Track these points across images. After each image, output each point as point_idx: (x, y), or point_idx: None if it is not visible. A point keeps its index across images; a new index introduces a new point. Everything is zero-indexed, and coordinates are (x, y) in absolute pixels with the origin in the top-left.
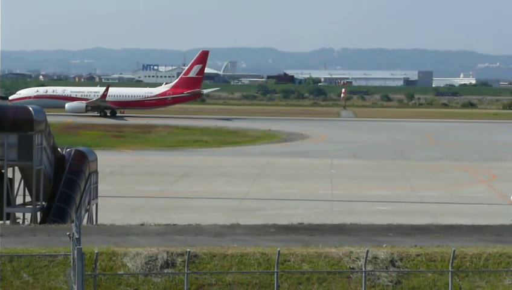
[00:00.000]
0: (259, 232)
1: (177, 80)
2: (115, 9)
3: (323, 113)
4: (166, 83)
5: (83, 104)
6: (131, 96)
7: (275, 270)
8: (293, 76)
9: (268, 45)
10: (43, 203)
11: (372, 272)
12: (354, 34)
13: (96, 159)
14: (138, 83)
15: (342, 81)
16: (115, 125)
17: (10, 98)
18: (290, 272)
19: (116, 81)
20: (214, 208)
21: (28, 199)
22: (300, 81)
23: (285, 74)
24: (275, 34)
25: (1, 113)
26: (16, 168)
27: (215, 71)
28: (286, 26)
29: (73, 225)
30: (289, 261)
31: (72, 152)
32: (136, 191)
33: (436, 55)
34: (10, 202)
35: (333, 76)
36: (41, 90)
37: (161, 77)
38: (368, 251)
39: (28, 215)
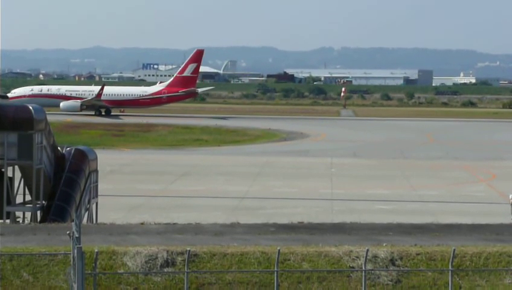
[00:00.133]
0: (259, 231)
1: (172, 78)
2: (115, 9)
3: (323, 112)
4: (160, 82)
5: (77, 103)
6: (126, 95)
7: (275, 269)
8: (293, 75)
9: (268, 44)
10: (43, 202)
11: (372, 271)
12: (354, 33)
13: (96, 158)
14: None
15: (342, 80)
16: (115, 124)
17: None
18: (290, 271)
19: (116, 80)
20: (214, 207)
21: (28, 198)
22: (300, 80)
23: (285, 72)
24: (275, 33)
25: (1, 112)
26: (16, 167)
27: (215, 70)
28: (286, 26)
29: (73, 223)
30: (289, 260)
31: (72, 151)
32: (136, 190)
33: (436, 54)
34: (10, 201)
35: (333, 75)
36: (36, 89)
37: (161, 76)
38: (367, 250)
39: (28, 214)
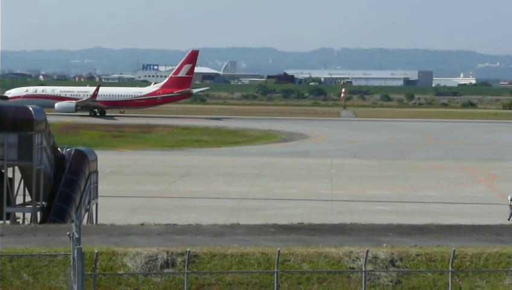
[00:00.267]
0: (259, 232)
1: (167, 79)
2: (115, 9)
3: (323, 113)
4: (155, 83)
5: (72, 103)
6: (121, 96)
7: (275, 270)
8: (293, 76)
9: (268, 44)
10: (43, 203)
11: (372, 272)
12: (354, 34)
13: (96, 159)
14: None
15: (342, 81)
16: (115, 125)
17: None
18: (290, 272)
19: (116, 81)
20: (214, 207)
21: (28, 198)
22: (300, 81)
23: (285, 73)
24: (275, 34)
25: (1, 113)
26: (16, 168)
27: (215, 71)
28: (286, 26)
29: (73, 224)
30: (289, 261)
31: (72, 152)
32: (136, 191)
33: (436, 55)
34: (10, 201)
35: (333, 76)
36: (31, 89)
37: (161, 76)
38: (367, 251)
39: (28, 215)
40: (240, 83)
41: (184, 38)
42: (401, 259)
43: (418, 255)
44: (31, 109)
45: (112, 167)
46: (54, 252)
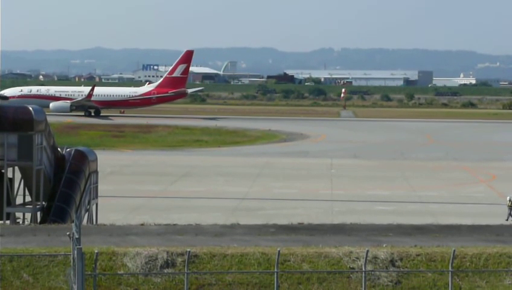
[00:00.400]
0: (259, 232)
1: (162, 79)
2: (115, 10)
3: (323, 113)
4: (149, 83)
5: (67, 103)
6: (116, 96)
7: (275, 270)
8: (293, 76)
9: (268, 45)
10: (43, 203)
11: (372, 272)
12: (354, 34)
13: (96, 159)
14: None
15: (342, 81)
16: (115, 125)
17: None
18: (290, 272)
19: (117, 81)
20: (214, 207)
21: (28, 198)
22: (300, 81)
23: (285, 73)
24: (275, 34)
25: (1, 113)
26: (16, 168)
27: (215, 71)
28: (286, 26)
29: (73, 224)
30: (289, 261)
31: (72, 152)
32: (136, 191)
33: (436, 55)
34: (10, 201)
35: (333, 76)
36: (25, 89)
37: (161, 76)
38: (368, 251)
39: (28, 215)
40: (240, 83)
41: (184, 38)
42: (401, 259)
43: (418, 255)
44: (31, 109)
45: (112, 167)
46: (54, 252)
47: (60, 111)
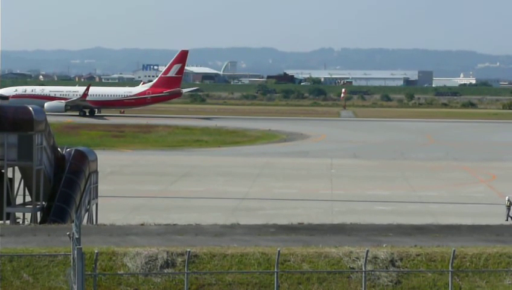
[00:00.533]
0: (259, 232)
1: (157, 79)
2: (115, 9)
3: (323, 113)
4: (143, 83)
5: (62, 103)
6: (111, 95)
7: (275, 270)
8: (293, 76)
9: (268, 44)
10: (43, 203)
11: (372, 272)
12: (354, 34)
13: (96, 159)
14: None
15: (342, 81)
16: (115, 125)
17: None
18: (290, 272)
19: (117, 81)
20: (214, 207)
21: (28, 198)
22: (300, 81)
23: (285, 73)
24: (275, 34)
25: (1, 113)
26: (16, 168)
27: (215, 71)
28: (286, 26)
29: (73, 224)
30: (289, 261)
31: (72, 152)
32: (136, 191)
33: (436, 55)
34: (10, 201)
35: (333, 76)
36: (20, 89)
37: None
38: (367, 251)
39: (28, 215)
40: (240, 83)
41: (184, 38)
42: (401, 259)
43: (418, 255)
44: (31, 109)
45: (112, 167)
46: (54, 252)
47: (54, 111)
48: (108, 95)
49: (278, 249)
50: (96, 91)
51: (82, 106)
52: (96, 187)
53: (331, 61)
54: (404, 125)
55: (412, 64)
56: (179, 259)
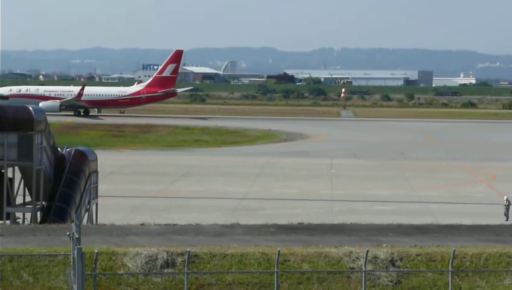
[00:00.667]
0: (259, 232)
1: (151, 79)
2: (115, 9)
3: (323, 113)
4: (137, 83)
5: (57, 103)
6: (105, 95)
7: (275, 270)
8: (293, 76)
9: (268, 44)
10: (43, 203)
11: (372, 272)
12: (354, 34)
13: (96, 158)
14: None
15: (342, 81)
16: (115, 125)
17: None
18: (290, 272)
19: (117, 80)
20: (214, 207)
21: (28, 198)
22: (300, 81)
23: (285, 73)
24: (275, 34)
25: (1, 113)
26: (16, 168)
27: (215, 71)
28: (286, 26)
29: (73, 224)
30: (289, 261)
31: (72, 152)
32: (136, 191)
33: (436, 55)
34: (10, 201)
35: (333, 76)
36: (15, 89)
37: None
38: (368, 251)
39: (28, 215)
40: (240, 83)
41: (184, 38)
42: (401, 259)
43: (418, 255)
44: (31, 109)
45: (112, 166)
46: (54, 252)
47: (49, 111)
48: (102, 95)
49: (278, 249)
50: (91, 91)
51: (77, 106)
52: (96, 187)
53: (331, 61)
54: (404, 125)
55: (412, 64)
56: (179, 259)
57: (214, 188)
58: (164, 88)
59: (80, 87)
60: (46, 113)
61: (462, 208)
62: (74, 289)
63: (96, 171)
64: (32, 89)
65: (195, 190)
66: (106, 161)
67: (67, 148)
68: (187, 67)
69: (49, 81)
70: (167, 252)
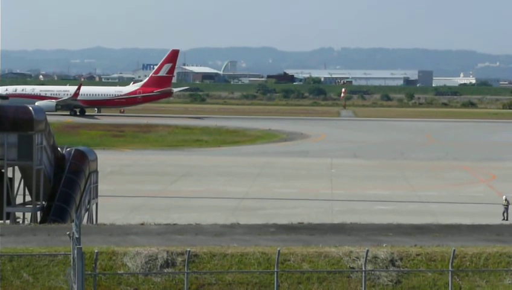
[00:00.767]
0: (259, 231)
1: (147, 78)
2: (115, 9)
3: (323, 113)
4: (133, 82)
5: (53, 102)
6: (101, 95)
7: (275, 269)
8: (293, 76)
9: (268, 44)
10: (43, 202)
11: (372, 272)
12: (354, 34)
13: (96, 158)
14: None
15: (342, 81)
16: (115, 124)
17: None
18: (290, 272)
19: (117, 80)
20: (214, 207)
21: (28, 198)
22: (300, 80)
23: (285, 73)
24: (275, 33)
25: (1, 113)
26: (16, 167)
27: (215, 71)
28: (286, 26)
29: (73, 224)
30: (289, 260)
31: (72, 152)
32: (136, 191)
33: (436, 54)
34: (10, 201)
35: (333, 76)
36: (11, 89)
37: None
38: (368, 251)
39: (28, 215)
40: (239, 82)
41: (184, 38)
42: (401, 259)
43: (418, 255)
44: (31, 108)
45: (112, 166)
46: (54, 252)
47: (45, 110)
48: (99, 95)
49: (278, 248)
50: (87, 91)
51: (73, 106)
52: (96, 187)
53: (331, 61)
54: (404, 125)
55: (412, 64)
56: (179, 259)
57: (214, 188)
58: (160, 88)
59: (76, 87)
60: None
61: (462, 208)
62: (74, 288)
63: (96, 171)
64: (28, 89)
65: (195, 190)
66: (106, 160)
67: (67, 148)
68: (187, 67)
69: (49, 81)
70: (167, 251)
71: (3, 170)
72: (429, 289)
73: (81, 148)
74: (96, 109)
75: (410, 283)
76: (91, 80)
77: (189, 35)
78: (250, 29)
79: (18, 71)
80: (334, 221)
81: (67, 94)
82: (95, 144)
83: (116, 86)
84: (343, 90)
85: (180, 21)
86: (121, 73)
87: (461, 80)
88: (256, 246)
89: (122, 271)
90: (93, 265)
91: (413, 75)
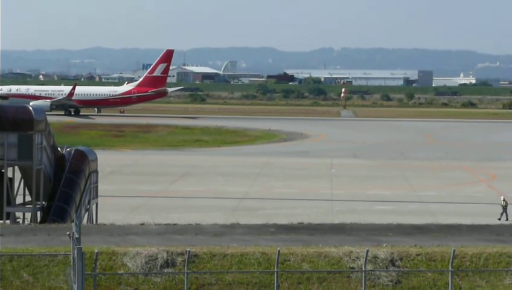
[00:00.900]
0: (259, 231)
1: (142, 78)
2: (115, 9)
3: (323, 113)
4: (127, 83)
5: (47, 102)
6: (96, 95)
7: (275, 269)
8: (293, 76)
9: (268, 44)
10: (43, 202)
11: (372, 272)
12: (354, 34)
13: (96, 158)
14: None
15: (342, 81)
16: (115, 124)
17: None
18: (290, 272)
19: (117, 80)
20: (214, 207)
21: (28, 198)
22: (300, 81)
23: (285, 73)
24: (275, 33)
25: (1, 113)
26: (16, 167)
27: (215, 71)
28: (286, 26)
29: (73, 224)
30: (289, 260)
31: (72, 152)
32: (136, 191)
33: (436, 54)
34: (10, 201)
35: (333, 76)
36: (5, 88)
37: None
38: (367, 251)
39: (28, 215)
40: (240, 82)
41: (184, 38)
42: (401, 259)
43: (418, 255)
44: (31, 108)
45: (112, 166)
46: (54, 252)
47: None
48: (93, 95)
49: (278, 248)
50: (81, 90)
51: (67, 105)
52: (96, 187)
53: (331, 61)
54: (404, 125)
55: (412, 64)
56: (179, 259)
57: (214, 188)
58: (155, 88)
59: (71, 87)
60: None
61: (462, 208)
62: (74, 288)
63: (96, 171)
64: (23, 89)
65: (195, 190)
66: (106, 160)
67: (67, 148)
68: (187, 67)
69: (49, 80)
70: (167, 252)
71: (3, 170)
72: (429, 289)
73: (81, 148)
74: (96, 109)
75: (410, 283)
76: (91, 80)
77: (189, 35)
78: (250, 29)
79: (18, 71)
80: (334, 221)
81: (62, 94)
82: (95, 144)
83: (115, 86)
84: (343, 90)
85: (180, 21)
86: (121, 73)
87: (461, 80)
88: (256, 246)
89: (122, 271)
90: (93, 265)
91: (413, 75)
